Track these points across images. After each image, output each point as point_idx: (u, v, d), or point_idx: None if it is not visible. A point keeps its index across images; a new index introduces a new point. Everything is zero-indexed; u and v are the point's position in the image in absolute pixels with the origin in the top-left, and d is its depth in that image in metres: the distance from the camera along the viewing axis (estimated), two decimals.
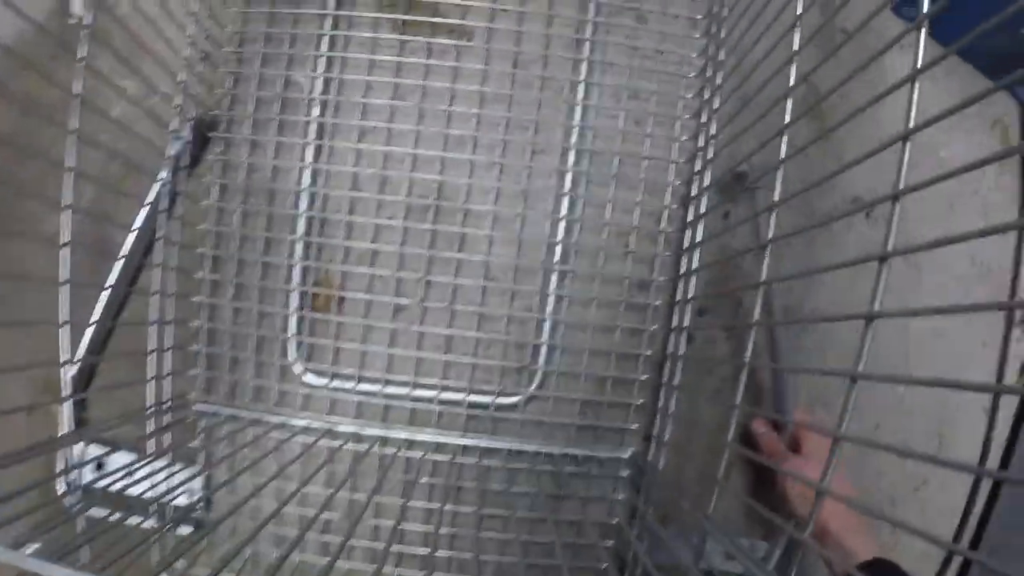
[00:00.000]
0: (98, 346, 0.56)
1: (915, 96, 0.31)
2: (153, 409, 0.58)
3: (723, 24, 0.57)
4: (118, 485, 0.49)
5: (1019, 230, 0.72)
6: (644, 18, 0.61)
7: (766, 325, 0.60)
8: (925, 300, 0.69)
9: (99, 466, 0.56)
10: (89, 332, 0.55)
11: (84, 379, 0.54)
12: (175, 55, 0.57)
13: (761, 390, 0.61)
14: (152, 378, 0.58)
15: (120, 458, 0.55)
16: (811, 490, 0.46)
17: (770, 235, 0.42)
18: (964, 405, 0.69)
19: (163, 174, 0.58)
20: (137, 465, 0.52)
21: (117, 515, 0.43)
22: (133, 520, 0.45)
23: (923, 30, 0.32)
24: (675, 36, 0.60)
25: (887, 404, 0.66)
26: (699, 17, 0.61)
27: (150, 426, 0.56)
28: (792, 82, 0.42)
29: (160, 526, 0.49)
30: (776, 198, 0.42)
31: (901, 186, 0.31)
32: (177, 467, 0.56)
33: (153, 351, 0.58)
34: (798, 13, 0.42)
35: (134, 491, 0.50)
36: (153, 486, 0.51)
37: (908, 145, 0.32)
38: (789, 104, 0.42)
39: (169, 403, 0.60)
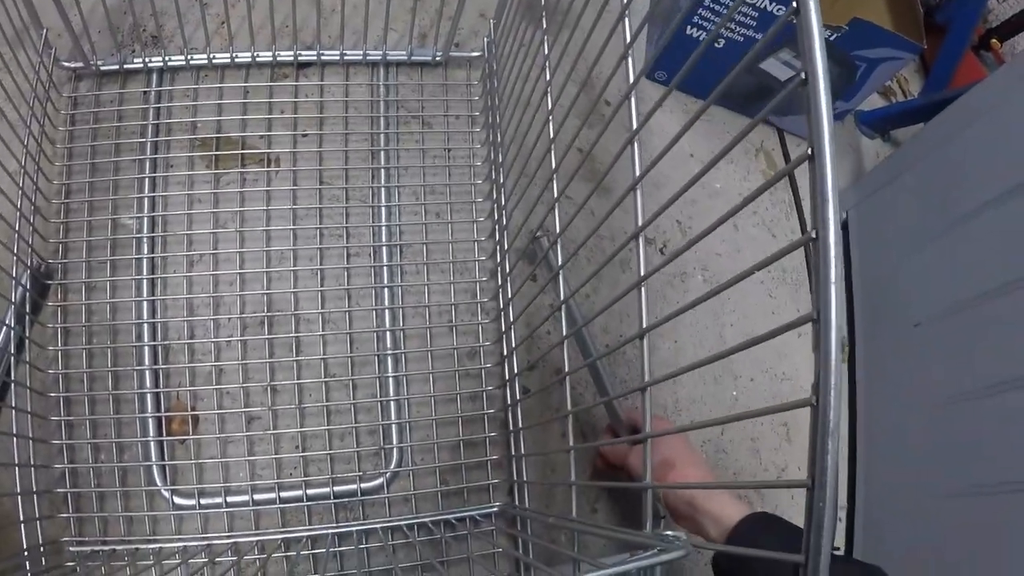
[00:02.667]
0: None
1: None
2: (28, 556, 0.60)
3: (499, 114, 0.68)
4: None
5: (803, 232, 0.86)
6: (429, 123, 0.72)
7: (590, 365, 0.69)
8: (730, 308, 0.80)
9: None
10: None
11: None
12: (8, 208, 0.62)
13: (599, 423, 0.71)
14: (22, 522, 0.60)
15: None
16: (664, 468, 0.54)
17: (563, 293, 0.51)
18: (800, 394, 0.80)
19: (8, 318, 0.63)
20: None
21: None
22: None
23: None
24: (459, 133, 0.71)
25: (723, 404, 0.77)
26: (477, 114, 0.72)
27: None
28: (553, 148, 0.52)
29: None
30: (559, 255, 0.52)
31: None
32: None
33: (19, 494, 0.60)
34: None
35: None
36: None
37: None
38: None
39: (42, 549, 0.63)
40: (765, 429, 0.77)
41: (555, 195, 0.57)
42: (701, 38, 0.80)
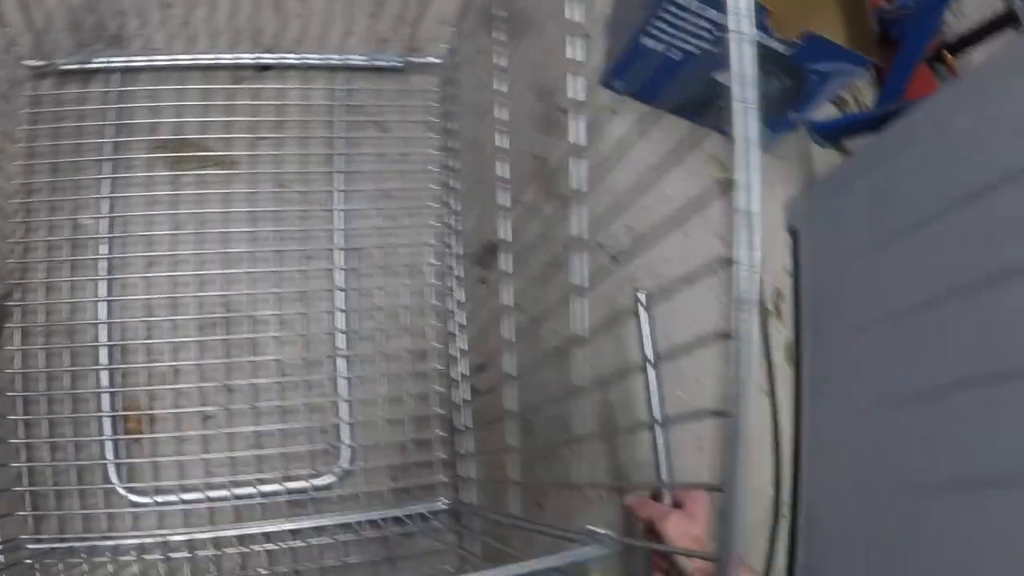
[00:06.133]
0: None
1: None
2: None
3: (457, 120, 0.71)
4: None
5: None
6: (386, 128, 0.74)
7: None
8: (678, 315, 0.83)
9: None
10: None
11: None
12: None
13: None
14: None
15: None
16: (697, 545, 0.51)
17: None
18: None
19: None
20: None
21: None
22: None
23: None
24: (416, 139, 0.73)
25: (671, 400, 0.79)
26: (434, 120, 0.74)
27: None
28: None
29: None
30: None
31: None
32: None
33: None
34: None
35: None
36: None
37: None
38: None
39: (1, 547, 0.65)
40: (711, 429, 0.80)
41: (508, 203, 0.60)
42: (658, 49, 0.82)
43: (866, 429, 0.77)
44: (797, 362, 0.87)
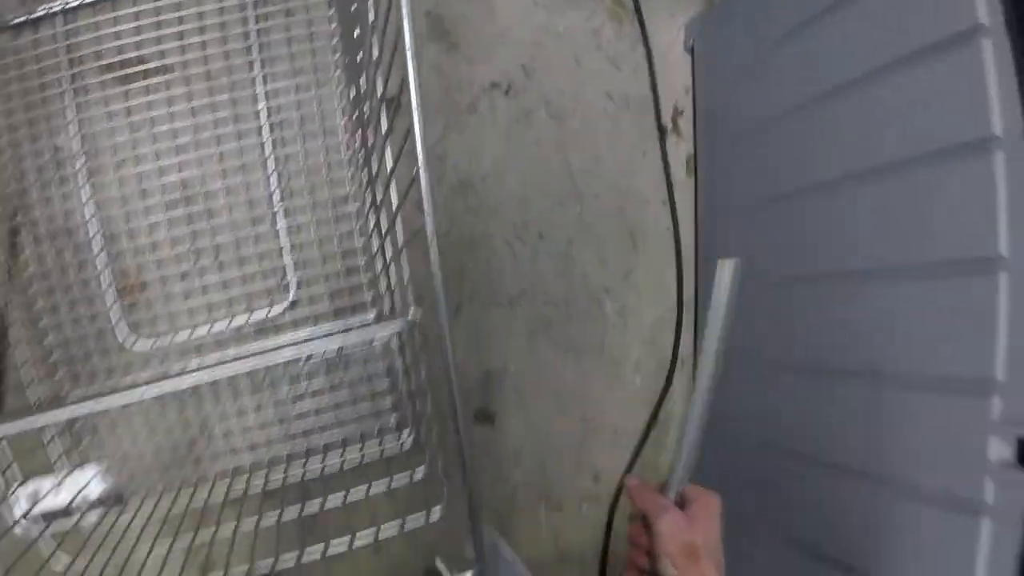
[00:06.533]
0: None
1: None
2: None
3: None
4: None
5: (648, 61, 0.97)
6: (292, 13, 0.86)
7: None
8: (575, 138, 0.93)
9: None
10: None
11: None
12: None
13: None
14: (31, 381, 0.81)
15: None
16: (687, 553, 0.46)
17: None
18: (645, 207, 0.93)
19: None
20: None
21: None
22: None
23: None
24: (320, 18, 0.85)
25: (569, 220, 0.91)
26: None
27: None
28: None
29: None
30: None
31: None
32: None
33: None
34: None
35: None
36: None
37: None
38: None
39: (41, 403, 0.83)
40: (611, 239, 0.91)
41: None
42: None
43: (749, 226, 0.86)
44: (696, 172, 0.95)
